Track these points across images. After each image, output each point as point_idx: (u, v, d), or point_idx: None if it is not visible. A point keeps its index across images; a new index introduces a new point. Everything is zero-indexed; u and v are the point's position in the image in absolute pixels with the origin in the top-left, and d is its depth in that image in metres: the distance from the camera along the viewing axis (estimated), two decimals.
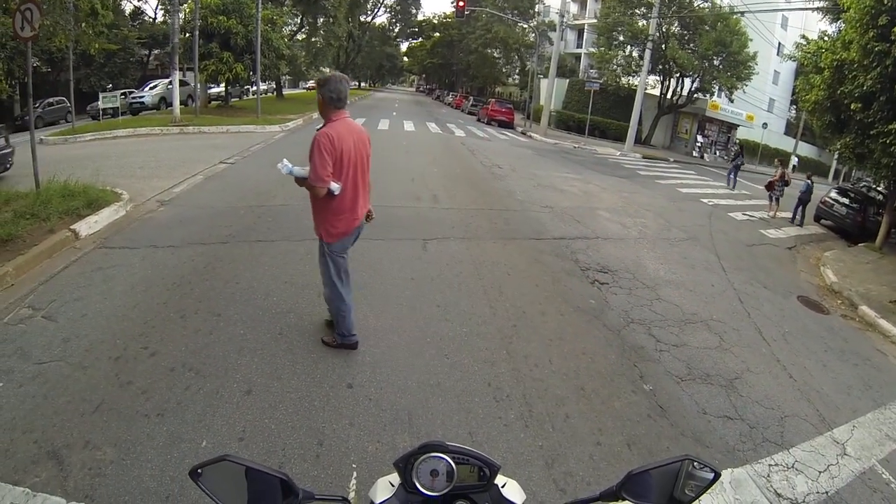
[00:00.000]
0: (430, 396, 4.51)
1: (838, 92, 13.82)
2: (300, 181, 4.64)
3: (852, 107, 13.09)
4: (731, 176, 22.55)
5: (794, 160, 43.37)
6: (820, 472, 4.37)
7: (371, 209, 5.28)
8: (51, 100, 30.70)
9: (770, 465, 4.33)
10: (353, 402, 4.29)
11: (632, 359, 5.74)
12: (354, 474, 3.56)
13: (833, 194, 17.26)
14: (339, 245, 4.90)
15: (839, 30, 16.57)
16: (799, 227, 15.75)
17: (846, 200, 16.43)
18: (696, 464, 1.36)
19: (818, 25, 23.78)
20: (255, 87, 29.25)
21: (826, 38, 16.50)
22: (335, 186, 4.52)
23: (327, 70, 77.17)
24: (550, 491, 3.68)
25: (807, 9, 25.44)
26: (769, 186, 17.60)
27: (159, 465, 3.45)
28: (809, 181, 16.86)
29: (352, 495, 3.36)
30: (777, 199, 17.37)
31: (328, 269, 4.89)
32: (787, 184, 17.61)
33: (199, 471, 1.27)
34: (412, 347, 5.30)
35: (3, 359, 4.48)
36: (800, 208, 16.73)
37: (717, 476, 1.36)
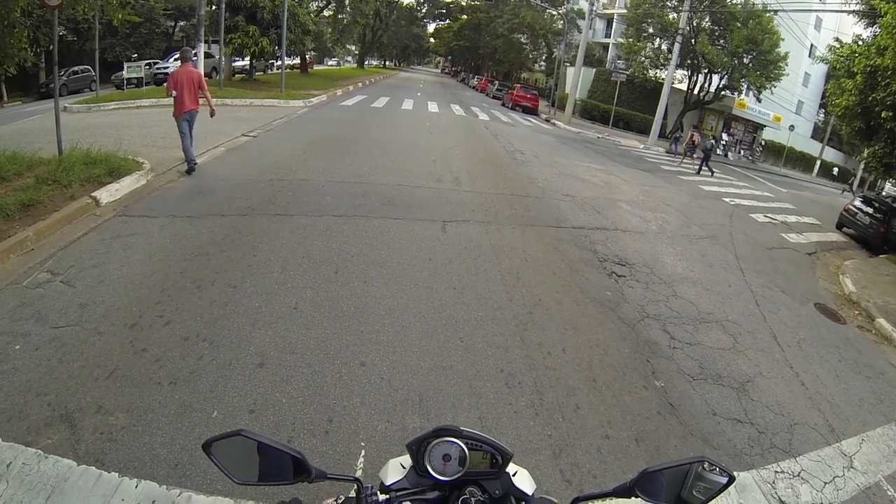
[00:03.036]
0: (442, 379, 4.52)
1: (870, 98, 13.55)
2: None
3: (883, 115, 12.83)
4: (673, 145, 28.55)
5: (834, 170, 42.98)
6: (825, 483, 4.33)
7: (213, 110, 10.23)
8: (76, 68, 31.05)
9: (776, 472, 4.30)
10: (364, 381, 4.31)
11: (645, 354, 5.71)
12: (363, 452, 3.58)
13: (857, 203, 16.94)
14: (179, 120, 9.63)
15: (874, 35, 16.26)
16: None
17: (870, 210, 16.06)
18: (707, 466, 1.35)
19: (853, 29, 23.40)
20: (279, 62, 29.20)
21: (860, 43, 16.14)
22: (173, 94, 9.45)
23: (352, 48, 77.69)
24: (556, 481, 3.68)
25: (842, 11, 24.97)
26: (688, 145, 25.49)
27: (170, 433, 3.49)
28: (713, 140, 24.57)
29: (359, 473, 3.38)
30: (688, 154, 25.31)
31: (179, 129, 9.67)
32: (695, 145, 24.91)
33: (211, 444, 1.27)
34: (426, 328, 5.31)
35: (21, 322, 4.55)
36: (704, 162, 22.55)
37: (731, 480, 1.35)
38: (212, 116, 10.31)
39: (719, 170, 25.82)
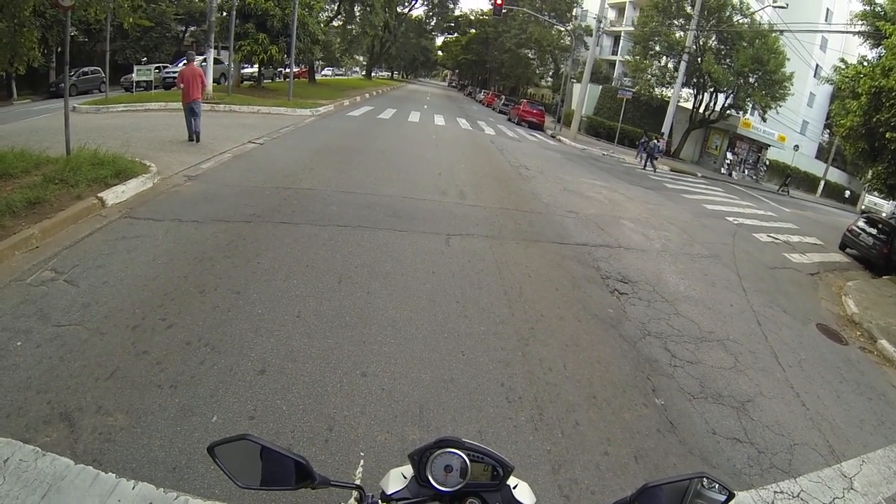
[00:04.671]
0: (443, 391, 4.51)
1: (874, 119, 13.56)
2: None
3: (887, 136, 12.84)
4: (642, 154, 28.40)
5: (846, 194, 43.10)
6: None
7: (207, 95, 17.46)
8: (86, 69, 31.29)
9: (776, 492, 4.27)
10: (366, 391, 4.30)
11: (646, 372, 5.69)
12: (362, 462, 3.57)
13: (860, 223, 16.88)
14: (185, 107, 12.72)
15: (879, 56, 16.29)
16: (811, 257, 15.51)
17: (874, 231, 15.95)
18: (706, 482, 1.34)
19: (858, 50, 23.43)
20: (288, 70, 29.39)
21: (865, 64, 16.17)
22: (181, 86, 12.80)
23: (360, 58, 77.83)
24: (554, 496, 3.67)
25: (847, 32, 25.08)
26: (645, 148, 27.72)
27: (169, 436, 3.48)
28: (657, 141, 27.26)
29: (357, 482, 3.36)
30: (641, 156, 27.84)
31: (185, 114, 12.81)
32: (657, 149, 27.52)
33: (216, 447, 1.28)
34: (428, 341, 5.30)
35: (24, 319, 4.56)
36: (649, 160, 26.62)
37: (731, 497, 1.34)
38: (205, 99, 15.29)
39: (721, 188, 25.90)
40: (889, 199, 28.69)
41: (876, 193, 31.03)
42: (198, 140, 12.87)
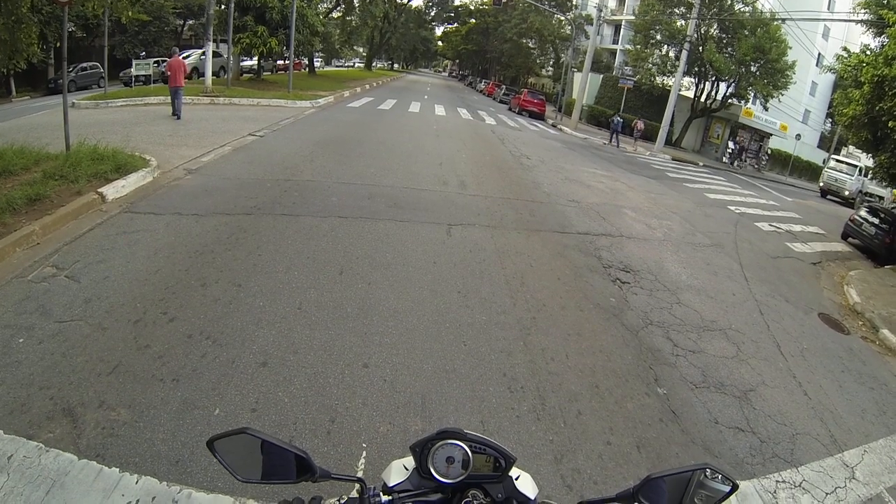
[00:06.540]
0: (445, 382, 4.51)
1: (877, 108, 13.47)
2: None
3: (890, 124, 12.76)
4: (614, 135, 29.86)
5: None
6: (826, 494, 4.30)
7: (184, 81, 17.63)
8: (84, 65, 31.27)
9: (777, 482, 4.27)
10: (367, 382, 4.30)
11: (648, 361, 5.69)
12: (364, 454, 3.58)
13: (863, 213, 16.77)
14: (171, 90, 15.59)
15: (882, 45, 16.17)
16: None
17: (876, 220, 15.81)
18: (709, 473, 1.33)
19: (861, 38, 23.28)
20: (282, 62, 29.35)
21: (868, 52, 16.04)
22: (168, 73, 16.43)
23: (360, 49, 77.61)
24: (557, 486, 3.67)
25: (850, 20, 24.91)
26: (631, 133, 31.03)
27: (171, 430, 3.49)
28: (621, 119, 29.72)
29: (360, 474, 3.37)
30: (636, 139, 30.69)
31: (170, 95, 15.62)
32: (640, 131, 30.60)
33: (215, 441, 1.27)
34: (430, 331, 5.30)
35: (25, 315, 4.56)
36: (613, 135, 28.95)
37: (734, 488, 1.33)
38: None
39: (723, 177, 25.84)
40: (852, 176, 29.04)
41: (835, 170, 31.13)
42: (179, 117, 15.40)
